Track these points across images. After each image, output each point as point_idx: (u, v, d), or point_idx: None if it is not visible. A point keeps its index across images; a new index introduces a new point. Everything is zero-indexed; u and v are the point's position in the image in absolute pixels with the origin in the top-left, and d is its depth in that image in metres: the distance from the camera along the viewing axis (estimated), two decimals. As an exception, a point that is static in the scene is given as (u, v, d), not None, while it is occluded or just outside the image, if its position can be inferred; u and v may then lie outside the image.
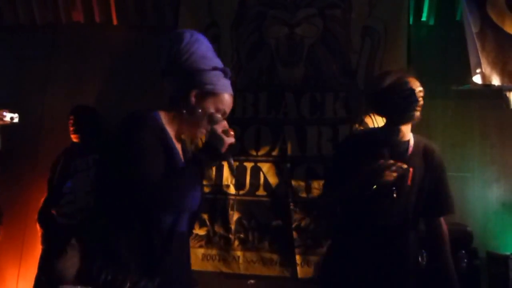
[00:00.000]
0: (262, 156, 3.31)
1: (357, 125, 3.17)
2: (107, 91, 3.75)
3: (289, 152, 3.27)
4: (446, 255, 2.05)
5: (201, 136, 1.53)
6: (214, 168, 3.34)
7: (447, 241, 2.08)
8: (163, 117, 1.46)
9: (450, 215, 2.14)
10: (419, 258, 2.50)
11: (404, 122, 1.99)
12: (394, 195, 1.94)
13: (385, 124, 2.10)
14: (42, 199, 3.30)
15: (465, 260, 2.67)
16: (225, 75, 1.51)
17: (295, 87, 3.32)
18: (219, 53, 3.39)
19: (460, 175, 3.17)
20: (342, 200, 2.12)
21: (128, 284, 1.28)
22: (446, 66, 3.27)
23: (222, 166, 3.33)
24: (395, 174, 1.87)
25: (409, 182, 1.95)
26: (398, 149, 2.01)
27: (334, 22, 3.34)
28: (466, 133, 3.25)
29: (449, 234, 2.10)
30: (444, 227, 2.10)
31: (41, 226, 3.24)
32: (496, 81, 2.83)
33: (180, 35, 1.49)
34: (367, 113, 3.16)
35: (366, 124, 3.16)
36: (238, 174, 3.31)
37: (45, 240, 3.21)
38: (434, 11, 3.35)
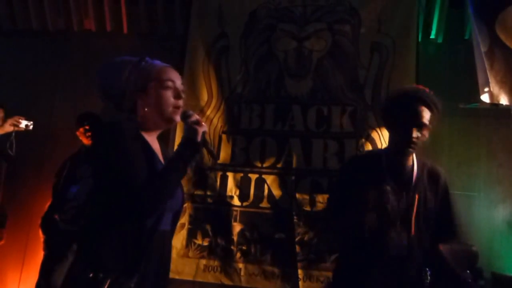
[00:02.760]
0: (267, 168, 3.30)
1: (363, 140, 3.17)
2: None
3: (294, 164, 3.25)
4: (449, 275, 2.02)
5: (173, 125, 1.57)
6: (218, 179, 3.34)
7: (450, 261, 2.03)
8: (135, 123, 1.50)
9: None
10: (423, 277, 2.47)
11: (405, 144, 1.87)
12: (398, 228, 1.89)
13: (389, 146, 2.02)
14: (47, 205, 3.31)
15: (470, 281, 2.64)
16: (145, 61, 1.55)
17: (302, 100, 3.33)
18: (227, 63, 3.48)
19: (466, 194, 3.15)
20: (347, 227, 2.01)
21: (108, 282, 1.30)
22: (454, 84, 3.26)
23: (227, 177, 3.33)
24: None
25: (414, 211, 1.88)
26: (402, 178, 1.92)
27: (343, 37, 3.36)
28: (473, 151, 3.23)
29: (454, 253, 2.08)
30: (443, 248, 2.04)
31: (44, 232, 3.24)
32: (504, 100, 2.80)
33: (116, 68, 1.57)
34: (374, 128, 3.16)
35: (373, 139, 3.15)
36: (243, 186, 3.30)
37: (47, 246, 3.21)
38: (443, 29, 3.36)
